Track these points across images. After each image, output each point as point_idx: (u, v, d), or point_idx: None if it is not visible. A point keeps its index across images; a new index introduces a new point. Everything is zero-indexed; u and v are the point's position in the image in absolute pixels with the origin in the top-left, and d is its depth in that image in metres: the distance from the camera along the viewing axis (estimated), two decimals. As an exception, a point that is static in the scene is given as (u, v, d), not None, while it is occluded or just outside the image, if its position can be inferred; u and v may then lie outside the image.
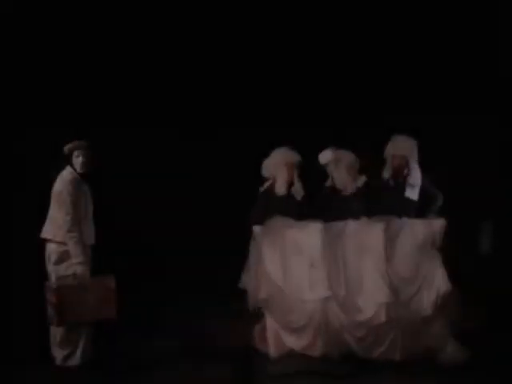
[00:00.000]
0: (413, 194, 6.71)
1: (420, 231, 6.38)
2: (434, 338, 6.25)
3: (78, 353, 6.17)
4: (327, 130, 8.33)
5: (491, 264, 8.44)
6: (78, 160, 6.18)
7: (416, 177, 6.72)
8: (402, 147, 6.74)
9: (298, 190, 6.81)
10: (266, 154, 6.85)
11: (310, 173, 6.84)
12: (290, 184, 6.82)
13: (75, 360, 6.17)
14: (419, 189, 6.71)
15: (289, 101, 8.83)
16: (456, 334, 6.29)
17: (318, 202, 6.82)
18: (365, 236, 6.38)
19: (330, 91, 8.87)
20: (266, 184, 6.87)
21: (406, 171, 6.74)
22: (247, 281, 6.55)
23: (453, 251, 6.42)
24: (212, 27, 8.78)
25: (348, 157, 6.78)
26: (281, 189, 6.78)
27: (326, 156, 6.80)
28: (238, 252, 6.72)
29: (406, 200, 6.68)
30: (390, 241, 6.37)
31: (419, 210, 6.67)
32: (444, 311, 6.29)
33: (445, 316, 6.30)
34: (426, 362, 6.17)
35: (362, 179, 6.81)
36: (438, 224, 6.39)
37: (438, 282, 6.28)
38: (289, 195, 6.80)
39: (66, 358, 6.18)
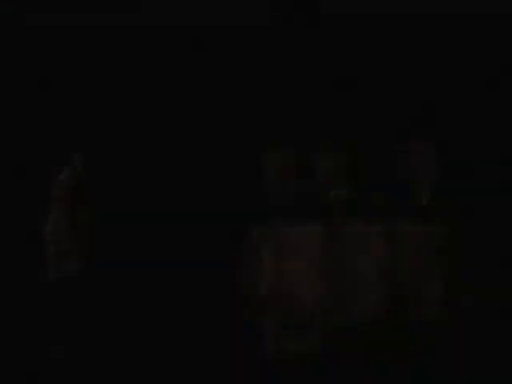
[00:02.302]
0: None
1: (420, 238, 6.40)
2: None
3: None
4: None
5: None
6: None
7: None
8: None
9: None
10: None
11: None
12: None
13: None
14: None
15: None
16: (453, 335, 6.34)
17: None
18: (364, 236, 6.41)
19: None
20: None
21: None
22: (243, 281, 6.58)
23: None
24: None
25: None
26: None
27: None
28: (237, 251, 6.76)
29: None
30: (391, 242, 6.39)
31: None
32: (441, 315, 6.32)
33: (442, 319, 6.33)
34: (424, 358, 6.20)
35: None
36: (438, 232, 6.39)
37: (436, 289, 6.30)
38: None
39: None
